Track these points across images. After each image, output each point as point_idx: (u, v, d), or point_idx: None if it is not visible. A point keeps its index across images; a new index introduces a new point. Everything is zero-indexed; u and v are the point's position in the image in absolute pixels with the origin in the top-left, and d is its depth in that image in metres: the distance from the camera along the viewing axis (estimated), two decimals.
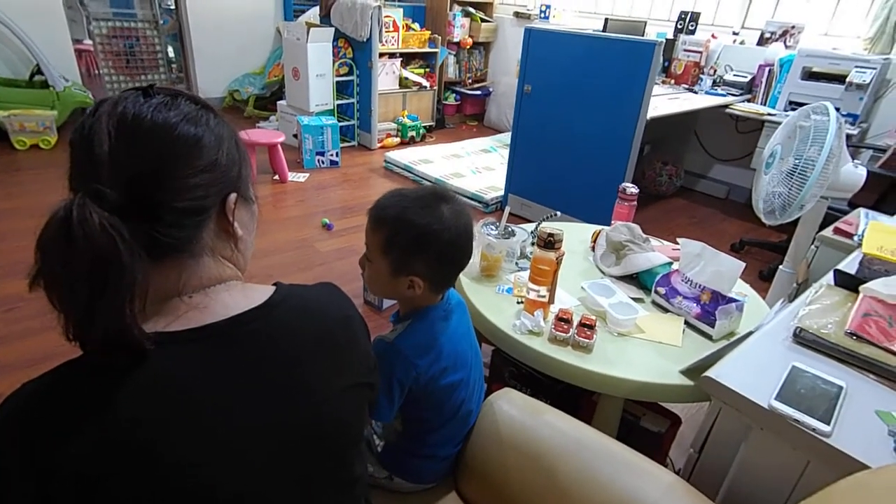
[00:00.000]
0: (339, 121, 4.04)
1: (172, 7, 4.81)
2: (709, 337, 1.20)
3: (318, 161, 3.80)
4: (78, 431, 0.45)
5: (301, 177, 3.59)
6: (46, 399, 0.47)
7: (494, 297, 1.29)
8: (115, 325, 0.45)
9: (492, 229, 1.43)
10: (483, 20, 5.03)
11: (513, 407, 1.00)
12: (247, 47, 5.03)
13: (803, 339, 0.89)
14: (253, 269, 2.42)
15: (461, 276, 1.35)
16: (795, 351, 0.88)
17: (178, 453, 0.47)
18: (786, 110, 3.10)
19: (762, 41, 3.46)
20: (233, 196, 0.57)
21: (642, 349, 1.15)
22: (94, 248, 0.44)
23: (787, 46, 3.33)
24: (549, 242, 1.14)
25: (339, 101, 4.19)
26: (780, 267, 1.88)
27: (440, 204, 0.86)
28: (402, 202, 0.86)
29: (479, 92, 5.23)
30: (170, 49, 5.09)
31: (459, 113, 5.35)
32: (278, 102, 4.31)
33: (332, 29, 3.94)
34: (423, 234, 0.84)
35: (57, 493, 0.44)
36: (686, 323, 1.24)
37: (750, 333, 0.96)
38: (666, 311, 1.29)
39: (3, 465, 0.45)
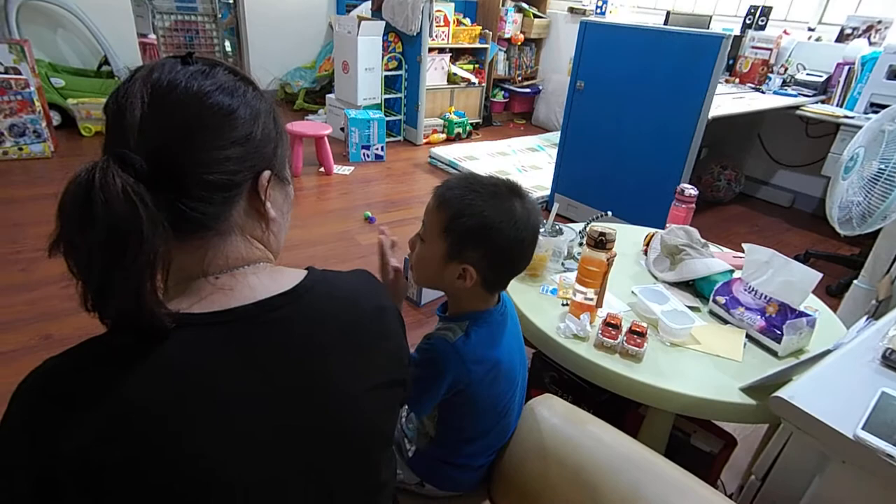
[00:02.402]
0: (386, 115, 4.05)
1: (231, 1, 4.96)
2: (774, 353, 1.09)
3: (364, 155, 3.81)
4: (88, 412, 0.42)
5: (346, 170, 3.61)
6: (62, 377, 0.45)
7: (538, 298, 1.23)
8: (132, 299, 0.43)
9: None
10: (536, 16, 4.92)
11: (554, 415, 0.93)
12: (299, 41, 5.13)
13: (895, 362, 0.78)
14: (293, 258, 2.43)
15: None
16: (884, 375, 0.77)
17: (193, 442, 0.44)
18: (866, 113, 2.85)
19: (842, 38, 3.21)
20: (266, 173, 0.54)
21: (697, 362, 1.06)
22: (113, 214, 0.41)
23: (871, 43, 3.07)
24: (601, 242, 1.06)
25: (387, 96, 4.20)
26: (855, 282, 1.72)
27: (513, 198, 0.80)
28: (474, 186, 0.80)
29: (528, 90, 5.13)
30: (227, 43, 5.25)
31: (507, 111, 5.26)
32: (327, 96, 4.37)
33: (383, 23, 3.94)
34: (487, 225, 0.77)
35: (65, 476, 0.41)
36: (748, 336, 1.13)
37: (828, 352, 0.86)
38: (725, 322, 1.19)
39: (14, 443, 0.43)
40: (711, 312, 1.22)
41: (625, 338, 1.04)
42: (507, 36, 4.84)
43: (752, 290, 1.16)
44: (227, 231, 0.53)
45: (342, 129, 3.91)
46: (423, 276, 0.87)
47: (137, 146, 0.46)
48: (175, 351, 0.46)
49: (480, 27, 4.56)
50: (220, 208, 0.51)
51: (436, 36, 4.17)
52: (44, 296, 1.99)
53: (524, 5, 4.89)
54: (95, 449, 0.41)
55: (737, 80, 3.49)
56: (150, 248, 0.43)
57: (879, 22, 3.08)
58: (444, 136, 4.43)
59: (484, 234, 0.78)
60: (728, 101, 2.94)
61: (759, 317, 1.12)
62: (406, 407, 0.96)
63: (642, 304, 1.18)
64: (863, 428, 0.65)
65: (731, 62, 3.51)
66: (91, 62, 3.95)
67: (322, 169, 3.52)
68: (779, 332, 1.07)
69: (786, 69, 3.39)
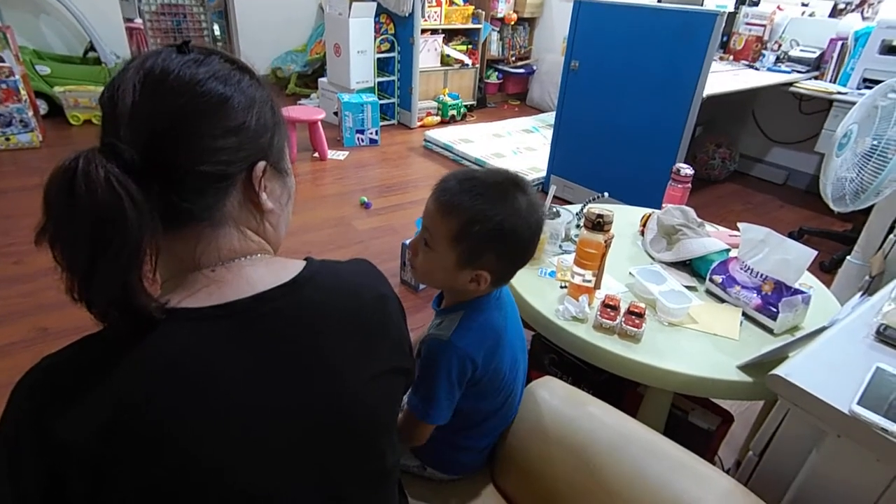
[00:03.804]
0: (380, 98, 4.00)
1: None
2: (770, 331, 1.10)
3: (358, 139, 3.78)
4: (86, 407, 0.42)
5: (340, 155, 3.58)
6: (60, 374, 0.45)
7: (536, 281, 1.23)
8: (117, 290, 0.43)
9: None
10: None
11: (554, 396, 0.95)
12: (290, 24, 5.03)
13: (889, 337, 0.79)
14: (291, 245, 2.41)
15: None
16: (879, 350, 0.79)
17: (189, 438, 0.44)
18: (859, 88, 2.84)
19: (835, 13, 3.19)
20: (261, 164, 0.53)
21: (695, 341, 1.07)
22: (96, 204, 0.41)
23: (864, 18, 3.05)
24: (598, 224, 1.07)
25: (380, 79, 4.14)
26: (848, 258, 1.74)
27: (518, 194, 0.77)
28: (479, 188, 0.76)
29: (522, 70, 5.07)
30: (216, 26, 5.15)
31: (501, 92, 5.21)
32: (319, 80, 4.30)
33: (375, 4, 3.87)
34: (500, 228, 0.75)
35: (67, 473, 0.41)
36: (744, 314, 1.15)
37: (823, 329, 0.87)
38: (722, 301, 1.20)
39: (18, 443, 0.43)
40: (708, 292, 1.23)
41: (623, 319, 1.05)
42: (499, 15, 4.77)
43: (748, 268, 1.17)
44: (220, 222, 0.52)
45: (335, 114, 3.87)
46: (430, 281, 0.85)
47: (128, 135, 0.45)
48: (171, 346, 0.46)
49: (473, 7, 4.49)
50: (212, 199, 0.50)
51: (428, 16, 4.10)
52: (39, 288, 1.98)
53: None
54: (95, 442, 0.42)
55: (731, 58, 3.47)
56: (134, 239, 0.42)
57: None
58: (438, 118, 4.39)
59: (498, 239, 0.76)
60: (722, 78, 2.92)
61: (755, 295, 1.13)
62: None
63: (640, 285, 1.19)
64: (858, 403, 0.67)
65: (724, 39, 3.48)
66: (76, 48, 3.87)
67: (316, 154, 3.49)
68: (774, 310, 1.08)
69: (779, 45, 3.37)
